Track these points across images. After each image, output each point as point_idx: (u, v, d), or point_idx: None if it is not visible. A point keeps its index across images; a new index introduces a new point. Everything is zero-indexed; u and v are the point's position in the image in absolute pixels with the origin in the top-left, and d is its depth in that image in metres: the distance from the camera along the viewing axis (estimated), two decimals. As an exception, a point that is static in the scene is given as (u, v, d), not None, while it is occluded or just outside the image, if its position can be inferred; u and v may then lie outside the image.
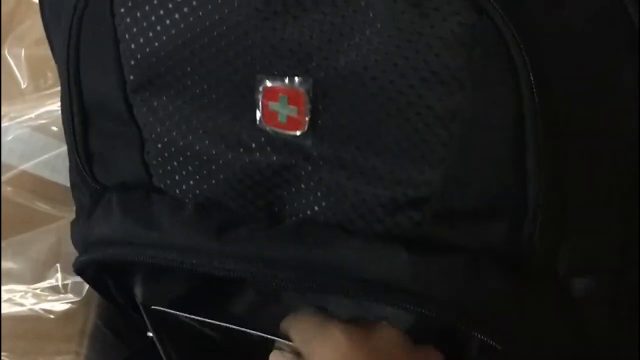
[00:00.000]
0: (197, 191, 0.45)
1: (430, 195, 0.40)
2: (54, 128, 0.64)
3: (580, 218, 0.41)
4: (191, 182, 0.45)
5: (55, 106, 0.65)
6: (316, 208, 0.42)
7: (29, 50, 0.65)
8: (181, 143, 0.44)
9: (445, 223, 0.41)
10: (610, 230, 0.44)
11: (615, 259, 0.44)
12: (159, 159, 0.45)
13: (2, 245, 0.64)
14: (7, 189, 0.64)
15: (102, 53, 0.45)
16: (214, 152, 0.43)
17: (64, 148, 0.64)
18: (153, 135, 0.45)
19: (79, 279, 0.64)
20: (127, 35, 0.44)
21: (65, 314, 0.64)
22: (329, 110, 0.41)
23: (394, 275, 0.40)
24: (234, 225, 0.43)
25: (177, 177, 0.45)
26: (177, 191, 0.45)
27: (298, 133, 0.42)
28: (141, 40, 0.43)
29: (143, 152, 0.45)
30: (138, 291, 0.53)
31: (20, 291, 0.64)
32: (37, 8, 0.65)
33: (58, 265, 0.64)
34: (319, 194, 0.42)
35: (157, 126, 0.45)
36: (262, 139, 0.43)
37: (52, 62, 0.65)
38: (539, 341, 0.42)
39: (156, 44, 0.43)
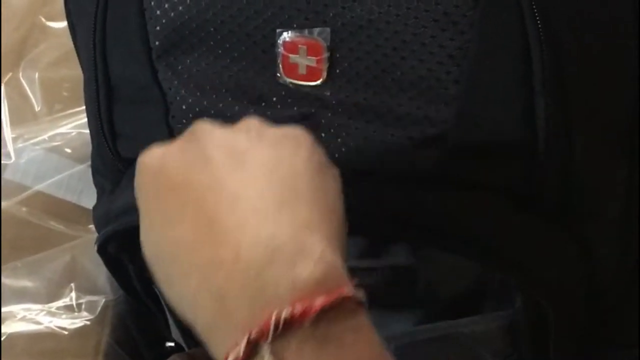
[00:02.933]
0: None
1: (446, 132, 0.42)
2: (68, 149, 0.65)
3: (587, 157, 0.43)
4: None
5: (67, 128, 0.66)
6: (336, 155, 0.44)
7: (43, 74, 0.66)
8: (205, 102, 0.46)
9: (461, 159, 0.42)
10: (615, 170, 0.45)
11: (622, 200, 0.46)
12: (184, 120, 0.46)
13: (18, 264, 0.65)
14: (22, 209, 0.65)
15: (128, 23, 0.47)
16: (236, 108, 0.45)
17: (77, 168, 0.65)
18: (178, 98, 0.46)
19: (93, 297, 0.65)
20: (152, 2, 0.46)
21: (79, 332, 0.64)
22: (346, 58, 0.43)
23: (412, 213, 0.42)
24: None
25: None
26: None
27: (317, 83, 0.43)
28: (166, 5, 0.45)
29: (168, 117, 0.47)
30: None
31: (36, 310, 0.64)
32: (51, 32, 0.67)
33: (72, 284, 0.65)
34: (339, 140, 0.44)
35: (182, 89, 0.46)
36: (283, 93, 0.44)
37: (66, 85, 0.67)
38: (554, 280, 0.43)
39: (180, 7, 0.45)
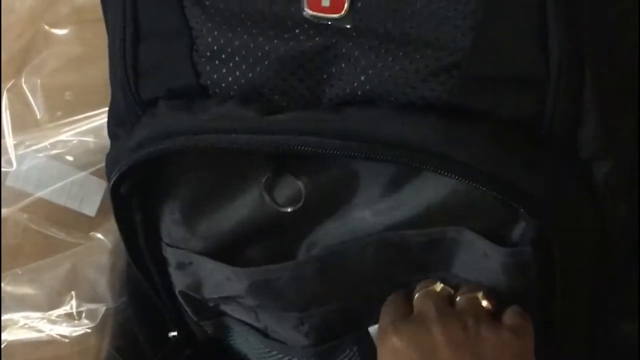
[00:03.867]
0: (243, 81, 0.47)
1: (461, 60, 0.43)
2: (69, 157, 0.65)
3: (598, 99, 0.44)
4: (237, 73, 0.47)
5: (69, 135, 0.66)
6: (355, 84, 0.45)
7: (45, 81, 0.66)
8: (230, 35, 0.47)
9: (474, 89, 0.44)
10: (625, 115, 0.46)
11: (631, 147, 0.47)
12: (208, 53, 0.48)
13: (19, 272, 0.64)
14: (23, 216, 0.65)
15: None
16: (260, 39, 0.46)
17: (79, 175, 0.65)
18: (203, 31, 0.48)
19: (93, 305, 0.65)
20: None
21: (79, 340, 0.64)
22: None
23: (427, 141, 0.43)
24: (276, 111, 0.46)
25: (224, 70, 0.47)
26: (223, 84, 0.47)
27: (339, 15, 0.45)
28: None
29: (192, 51, 0.48)
30: (165, 229, 0.54)
31: (36, 317, 0.64)
32: (54, 39, 0.67)
33: (73, 292, 0.65)
34: (357, 69, 0.45)
35: (207, 22, 0.48)
36: (306, 25, 0.46)
37: (68, 92, 0.67)
38: (566, 220, 0.44)
39: None
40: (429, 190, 0.47)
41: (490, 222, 0.47)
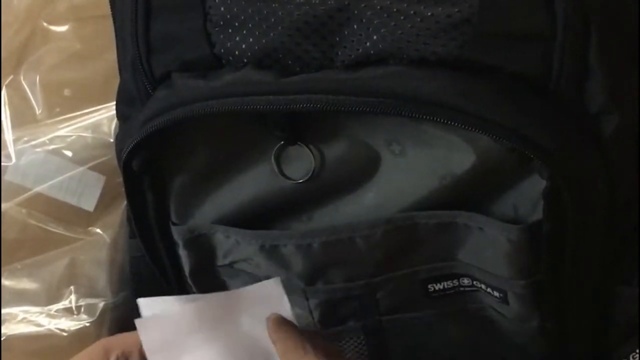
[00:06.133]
0: (256, 47, 0.47)
1: (471, 16, 0.44)
2: (68, 152, 0.65)
3: (604, 54, 0.45)
4: (250, 40, 0.47)
5: (68, 131, 0.66)
6: (367, 44, 0.46)
7: (44, 77, 0.66)
8: (243, 2, 0.47)
9: (484, 45, 0.45)
10: (629, 73, 0.47)
11: (635, 107, 0.47)
12: (221, 22, 0.48)
13: (18, 266, 0.65)
14: (21, 211, 0.65)
15: None
16: (273, 5, 0.47)
17: (77, 170, 0.65)
18: (217, 0, 0.48)
19: (92, 300, 0.65)
20: None
21: (78, 334, 0.64)
22: None
23: (441, 94, 0.44)
24: (291, 74, 0.47)
25: (237, 38, 0.48)
26: (237, 52, 0.48)
27: None
28: None
29: (206, 21, 0.48)
30: (174, 206, 0.54)
31: (35, 312, 0.64)
32: (53, 35, 0.67)
33: (72, 287, 0.65)
34: (369, 29, 0.46)
35: None
36: None
37: (67, 88, 0.67)
38: (577, 172, 0.45)
39: None
40: (440, 169, 0.48)
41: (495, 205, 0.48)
